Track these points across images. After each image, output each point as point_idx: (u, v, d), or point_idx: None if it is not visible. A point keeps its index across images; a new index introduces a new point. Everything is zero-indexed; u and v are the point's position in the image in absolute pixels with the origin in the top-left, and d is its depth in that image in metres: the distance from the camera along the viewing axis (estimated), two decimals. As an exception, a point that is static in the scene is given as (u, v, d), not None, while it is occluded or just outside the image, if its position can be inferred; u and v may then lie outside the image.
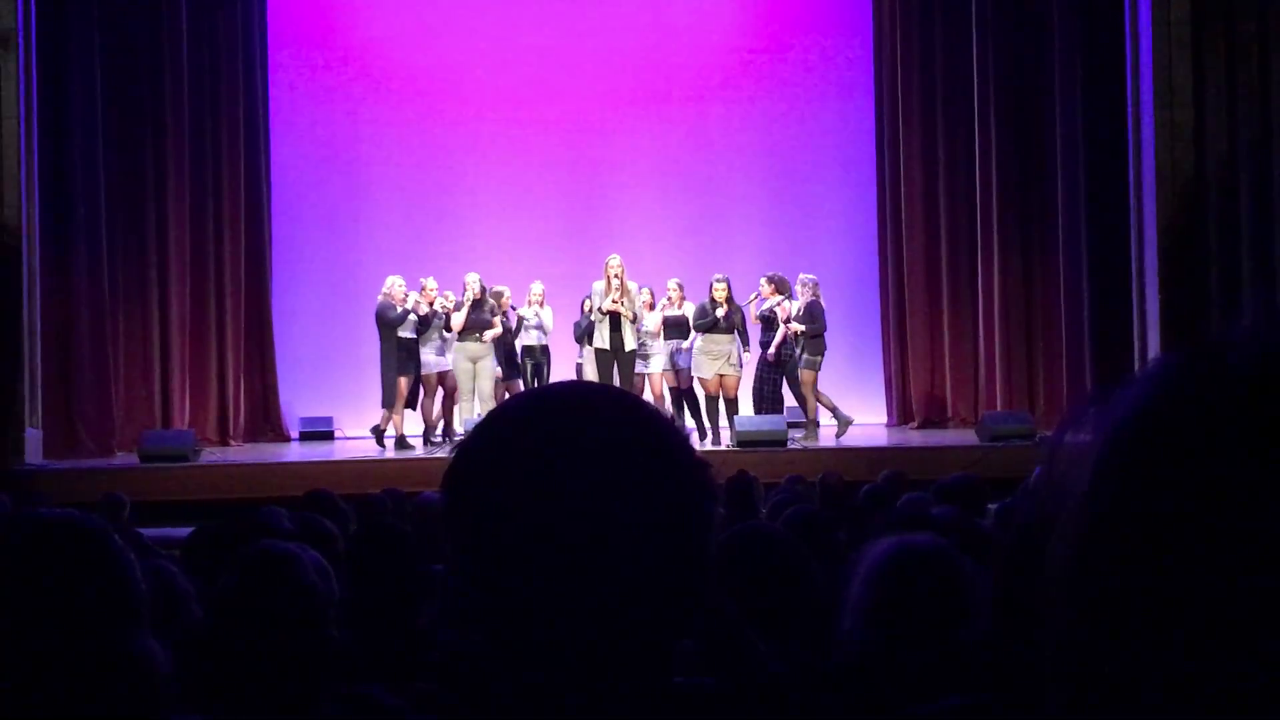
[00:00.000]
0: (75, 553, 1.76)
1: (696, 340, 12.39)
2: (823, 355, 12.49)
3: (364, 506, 6.92)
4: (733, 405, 12.48)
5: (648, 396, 11.85)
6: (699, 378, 12.43)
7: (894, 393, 14.80)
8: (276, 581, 2.59)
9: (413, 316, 12.35)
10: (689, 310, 12.52)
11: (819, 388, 12.59)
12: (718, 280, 12.41)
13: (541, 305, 12.69)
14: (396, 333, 12.41)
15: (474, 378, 12.30)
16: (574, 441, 1.14)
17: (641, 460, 1.15)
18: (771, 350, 12.55)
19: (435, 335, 12.45)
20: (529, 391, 1.26)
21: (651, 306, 12.63)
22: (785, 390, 12.75)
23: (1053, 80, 13.63)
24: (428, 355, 12.46)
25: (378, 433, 12.50)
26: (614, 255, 12.45)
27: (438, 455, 11.70)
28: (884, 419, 14.83)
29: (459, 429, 12.24)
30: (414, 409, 12.62)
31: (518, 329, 12.63)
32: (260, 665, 2.53)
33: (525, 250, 14.31)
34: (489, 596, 1.13)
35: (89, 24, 12.91)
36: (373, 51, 15.06)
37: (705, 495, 1.18)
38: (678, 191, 15.19)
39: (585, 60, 15.11)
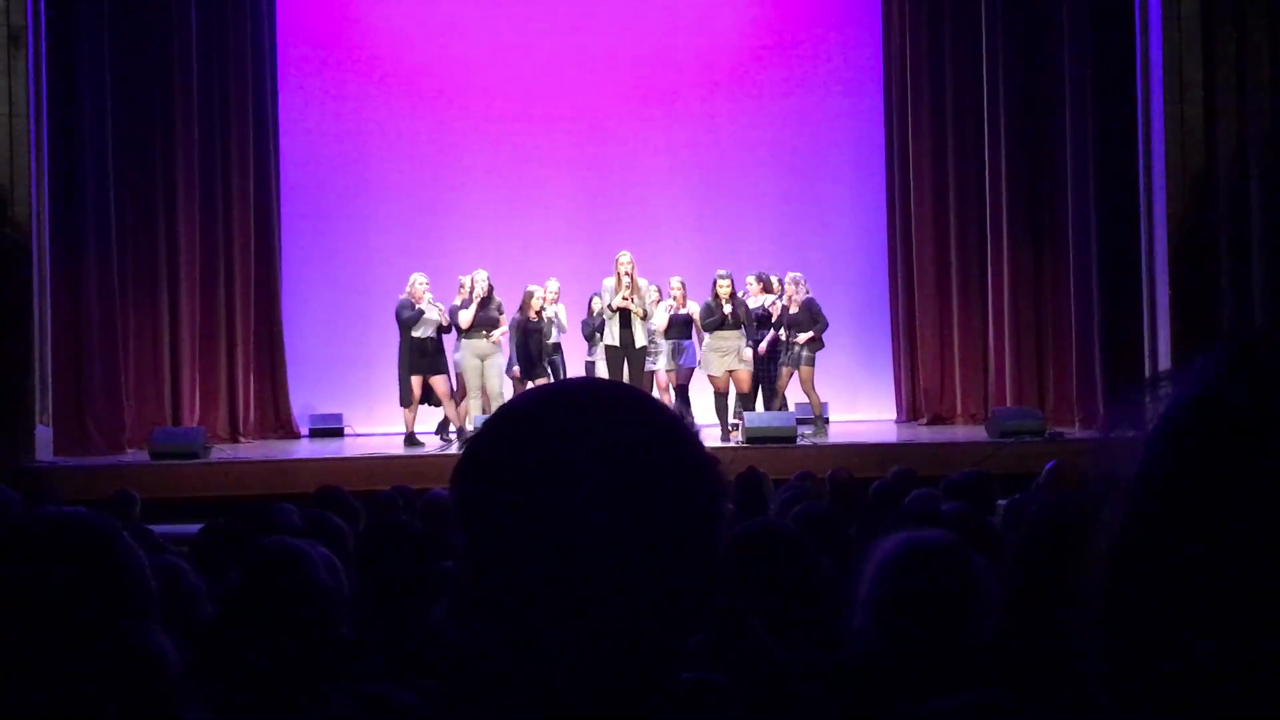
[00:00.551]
0: (85, 550, 1.77)
1: (705, 338, 12.39)
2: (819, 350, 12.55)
3: (374, 503, 6.92)
4: (745, 400, 12.47)
5: (655, 394, 11.85)
6: (709, 375, 12.42)
7: (903, 389, 14.79)
8: (286, 578, 2.59)
9: (429, 316, 12.32)
10: (693, 308, 12.52)
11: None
12: (721, 277, 12.41)
13: (556, 303, 12.64)
14: (410, 332, 12.40)
15: (482, 375, 12.31)
16: (583, 438, 1.14)
17: (651, 457, 1.15)
18: (763, 347, 12.64)
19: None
20: (538, 388, 1.26)
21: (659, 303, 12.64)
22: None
23: (1062, 77, 13.60)
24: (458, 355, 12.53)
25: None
26: (624, 252, 12.45)
27: (448, 452, 11.71)
28: (893, 415, 14.83)
29: (468, 426, 12.24)
30: (433, 405, 12.56)
31: (537, 327, 12.52)
32: (270, 662, 2.53)
33: (535, 248, 14.32)
34: (498, 593, 1.13)
35: (99, 22, 12.92)
36: (382, 50, 15.07)
37: (714, 492, 1.18)
38: (687, 189, 15.19)
39: (595, 58, 15.11)
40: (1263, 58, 11.65)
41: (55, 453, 11.97)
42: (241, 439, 13.81)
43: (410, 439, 12.46)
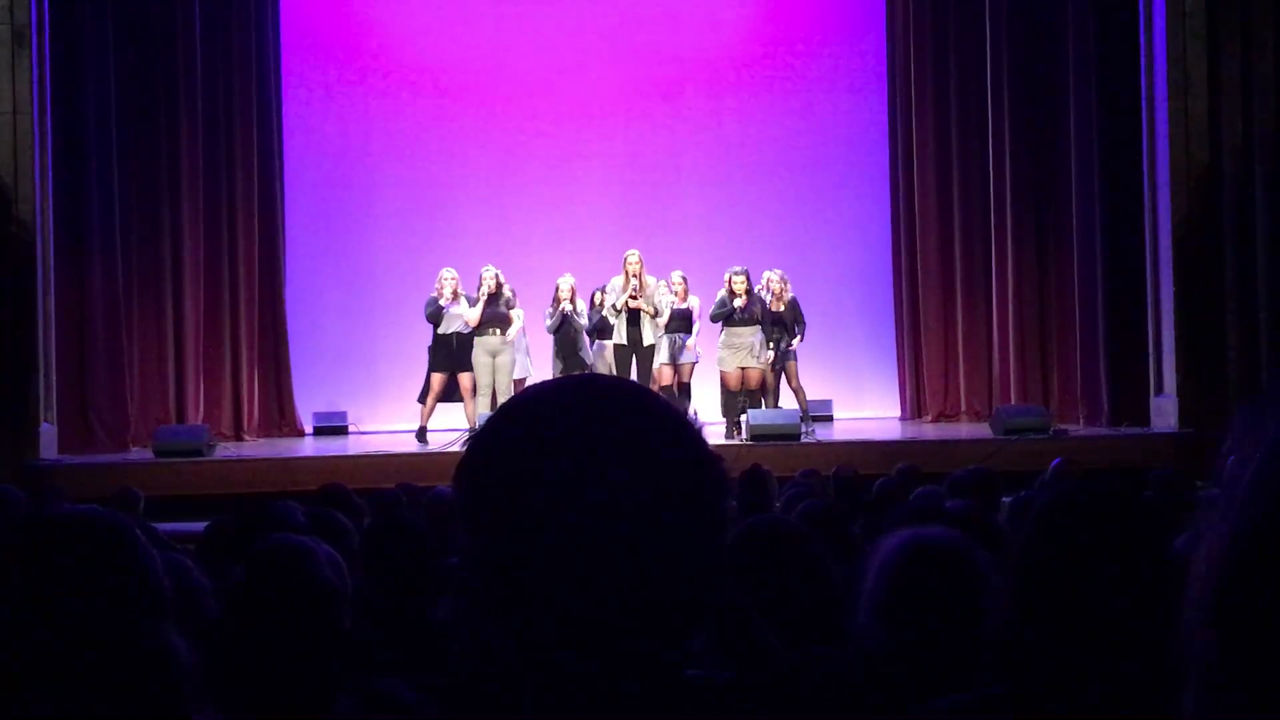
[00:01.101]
0: (99, 548, 1.77)
1: (720, 334, 12.38)
2: None
3: (378, 501, 6.93)
4: (755, 398, 12.45)
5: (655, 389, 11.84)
6: (721, 371, 12.41)
7: (908, 386, 14.79)
8: (292, 576, 2.60)
9: (455, 310, 12.26)
10: (694, 304, 12.52)
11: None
12: (736, 273, 12.39)
13: (573, 300, 12.55)
14: (436, 328, 12.39)
15: (492, 372, 12.27)
16: (587, 435, 1.14)
17: (655, 454, 1.15)
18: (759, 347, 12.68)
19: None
20: (541, 385, 1.26)
21: None
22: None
23: (1066, 72, 13.58)
24: None
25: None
26: (633, 250, 12.44)
27: (452, 450, 11.71)
28: (898, 412, 14.82)
29: (475, 423, 12.23)
30: (456, 400, 12.51)
31: (561, 321, 12.45)
32: (276, 659, 2.53)
33: (539, 246, 14.31)
34: (503, 590, 1.13)
35: (103, 20, 12.93)
36: (386, 50, 15.06)
37: (719, 489, 1.18)
38: (692, 187, 15.18)
39: (598, 57, 15.10)
40: (1267, 54, 11.63)
41: (59, 451, 11.98)
42: (245, 437, 13.82)
43: (420, 433, 12.45)
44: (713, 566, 1.16)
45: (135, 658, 1.73)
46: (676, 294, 12.46)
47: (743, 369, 12.33)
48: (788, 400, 12.84)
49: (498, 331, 12.28)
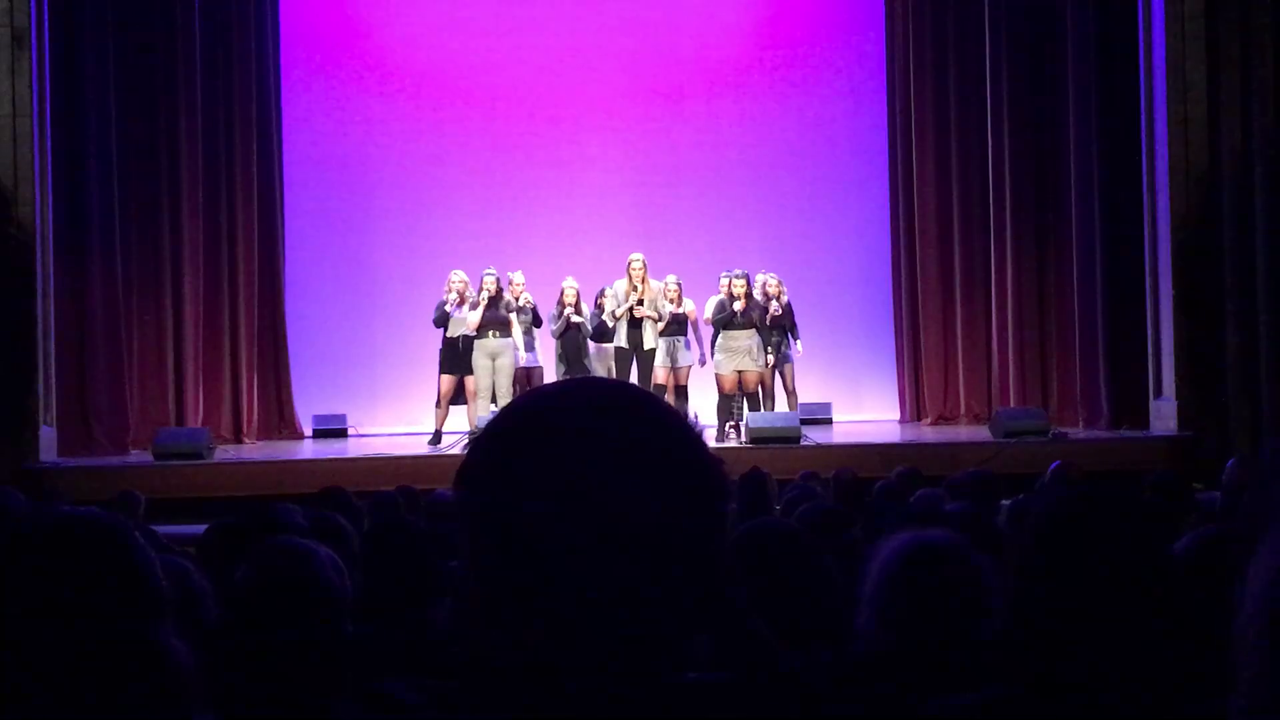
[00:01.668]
0: (98, 550, 1.77)
1: (717, 337, 12.40)
2: None
3: (378, 504, 6.93)
4: (753, 400, 12.47)
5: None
6: (717, 374, 12.43)
7: (907, 389, 14.79)
8: (294, 578, 2.60)
9: (460, 313, 12.27)
10: (689, 306, 12.54)
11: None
12: (736, 276, 12.41)
13: (577, 305, 12.55)
14: (445, 331, 12.40)
15: (492, 374, 12.28)
16: (588, 438, 1.14)
17: (655, 457, 1.15)
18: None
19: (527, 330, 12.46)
20: (541, 388, 1.26)
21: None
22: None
23: (1066, 76, 13.59)
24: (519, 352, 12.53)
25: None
26: (636, 255, 12.44)
27: (452, 452, 11.71)
28: (897, 415, 14.82)
29: (476, 426, 12.23)
30: (463, 404, 12.51)
31: (568, 325, 12.45)
32: (277, 661, 2.53)
33: (540, 249, 14.31)
34: (503, 592, 1.14)
35: (103, 23, 12.93)
36: (385, 53, 15.07)
37: (719, 492, 1.18)
38: (691, 190, 15.19)
39: (597, 60, 15.11)
40: (1266, 57, 11.63)
41: (59, 453, 11.97)
42: (245, 439, 13.82)
43: (435, 436, 12.45)
44: (713, 569, 1.17)
45: (134, 659, 1.73)
46: (671, 299, 12.46)
47: (739, 372, 12.33)
48: (784, 404, 12.87)
49: (497, 334, 12.29)
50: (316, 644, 2.56)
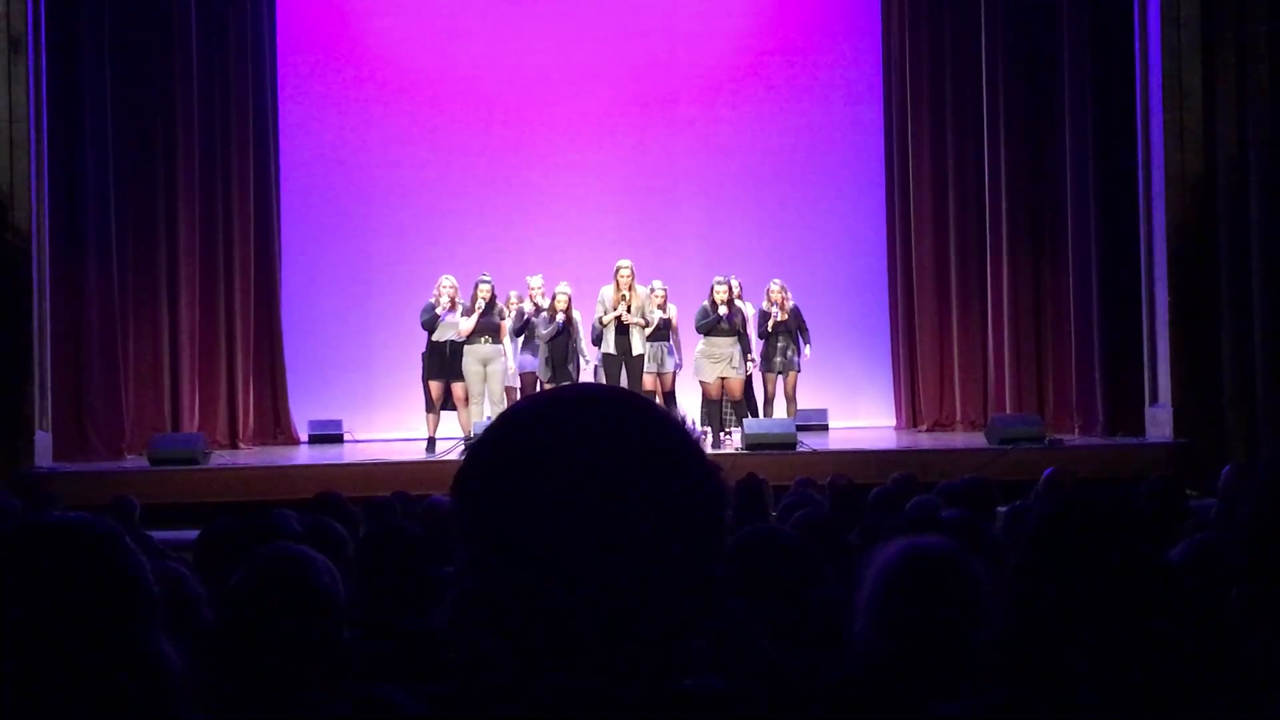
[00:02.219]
0: (88, 556, 1.77)
1: (698, 343, 12.42)
2: None
3: (373, 509, 6.92)
4: (740, 407, 12.50)
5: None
6: (700, 381, 12.44)
7: (903, 395, 14.79)
8: (292, 583, 2.59)
9: (451, 318, 12.27)
10: (672, 312, 12.55)
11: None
12: (719, 282, 12.43)
13: (568, 311, 12.51)
14: (430, 335, 12.40)
15: (484, 380, 12.30)
16: (585, 444, 1.14)
17: (652, 462, 1.15)
18: (757, 356, 12.72)
19: (531, 338, 12.45)
20: (539, 394, 1.26)
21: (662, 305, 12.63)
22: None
23: (1062, 82, 13.61)
24: (523, 357, 12.49)
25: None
26: (624, 261, 12.45)
27: (448, 458, 11.70)
28: (893, 421, 14.82)
29: (471, 432, 12.23)
30: (452, 410, 12.51)
31: (559, 330, 12.43)
32: (274, 666, 2.53)
33: (536, 254, 14.29)
34: (500, 598, 1.13)
35: (99, 29, 12.93)
36: (382, 58, 15.08)
37: (716, 498, 1.18)
38: (687, 195, 15.20)
39: (594, 64, 15.12)
40: (1262, 63, 11.65)
41: (55, 458, 11.96)
42: (241, 445, 13.80)
43: (430, 444, 12.45)
44: (710, 575, 1.17)
45: (124, 665, 1.72)
46: (657, 305, 12.46)
47: (723, 379, 12.34)
48: (783, 410, 12.88)
49: (489, 340, 12.30)
50: (312, 649, 2.56)
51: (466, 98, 15.07)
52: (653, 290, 12.52)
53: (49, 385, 12.07)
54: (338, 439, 13.67)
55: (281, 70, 14.64)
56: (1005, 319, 14.04)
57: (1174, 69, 11.95)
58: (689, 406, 12.80)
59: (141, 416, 13.27)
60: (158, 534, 7.23)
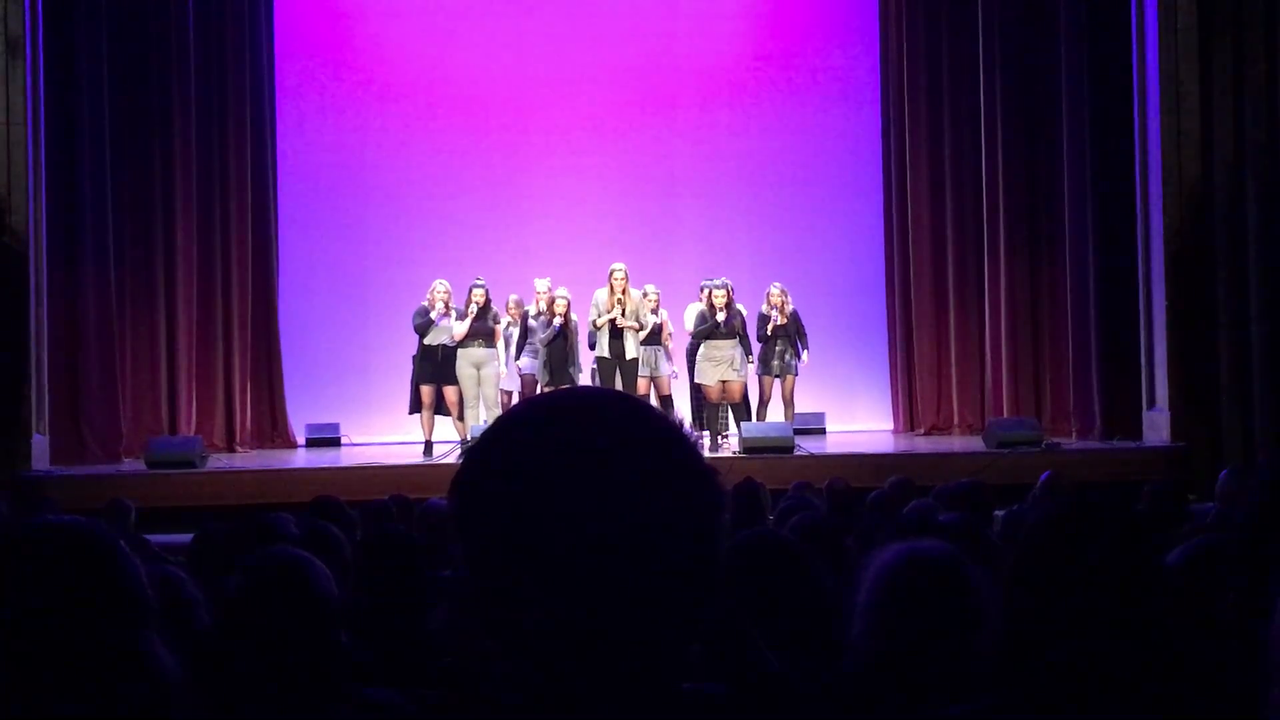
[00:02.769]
0: (82, 559, 1.77)
1: (700, 347, 12.42)
2: None
3: (370, 513, 6.92)
4: (739, 410, 12.50)
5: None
6: (702, 384, 12.44)
7: (900, 399, 14.79)
8: (290, 587, 2.59)
9: (445, 323, 12.27)
10: (663, 316, 12.58)
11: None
12: (716, 286, 12.44)
13: (566, 315, 12.49)
14: (423, 339, 12.40)
15: (479, 384, 12.30)
16: (582, 448, 1.14)
17: (650, 466, 1.15)
18: (755, 359, 12.73)
19: (535, 340, 12.44)
20: (537, 397, 1.26)
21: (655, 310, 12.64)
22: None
23: (1059, 87, 13.62)
24: (523, 359, 12.48)
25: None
26: (618, 264, 12.45)
27: (445, 462, 11.70)
28: (890, 425, 14.82)
29: (467, 436, 12.22)
30: (446, 414, 12.50)
31: (557, 333, 12.42)
32: (271, 670, 2.53)
33: (532, 257, 14.29)
34: (497, 601, 1.13)
35: (96, 30, 12.93)
36: (379, 60, 15.08)
37: (713, 502, 1.18)
38: (684, 198, 15.20)
39: (592, 68, 15.12)
40: (1259, 68, 11.67)
41: (51, 462, 11.95)
42: (238, 448, 13.80)
43: (427, 448, 12.44)
44: (708, 579, 1.16)
45: (118, 669, 1.72)
46: (651, 309, 12.47)
47: (723, 382, 12.35)
48: (779, 414, 12.88)
49: (482, 344, 12.30)
50: (309, 653, 2.56)
51: (463, 101, 15.07)
52: (646, 294, 12.53)
53: (46, 388, 12.07)
54: (335, 442, 13.66)
55: (279, 73, 14.64)
56: (1003, 322, 14.04)
57: (1171, 73, 11.95)
58: (682, 409, 12.80)
59: (138, 420, 13.26)
60: (154, 537, 7.22)
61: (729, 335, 12.34)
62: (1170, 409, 11.96)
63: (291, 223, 14.77)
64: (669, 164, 15.20)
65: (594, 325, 12.38)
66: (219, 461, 12.62)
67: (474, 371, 12.29)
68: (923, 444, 13.63)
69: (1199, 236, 11.89)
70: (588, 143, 15.09)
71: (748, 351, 12.55)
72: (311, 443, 13.79)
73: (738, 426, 12.30)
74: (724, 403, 12.52)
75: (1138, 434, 12.55)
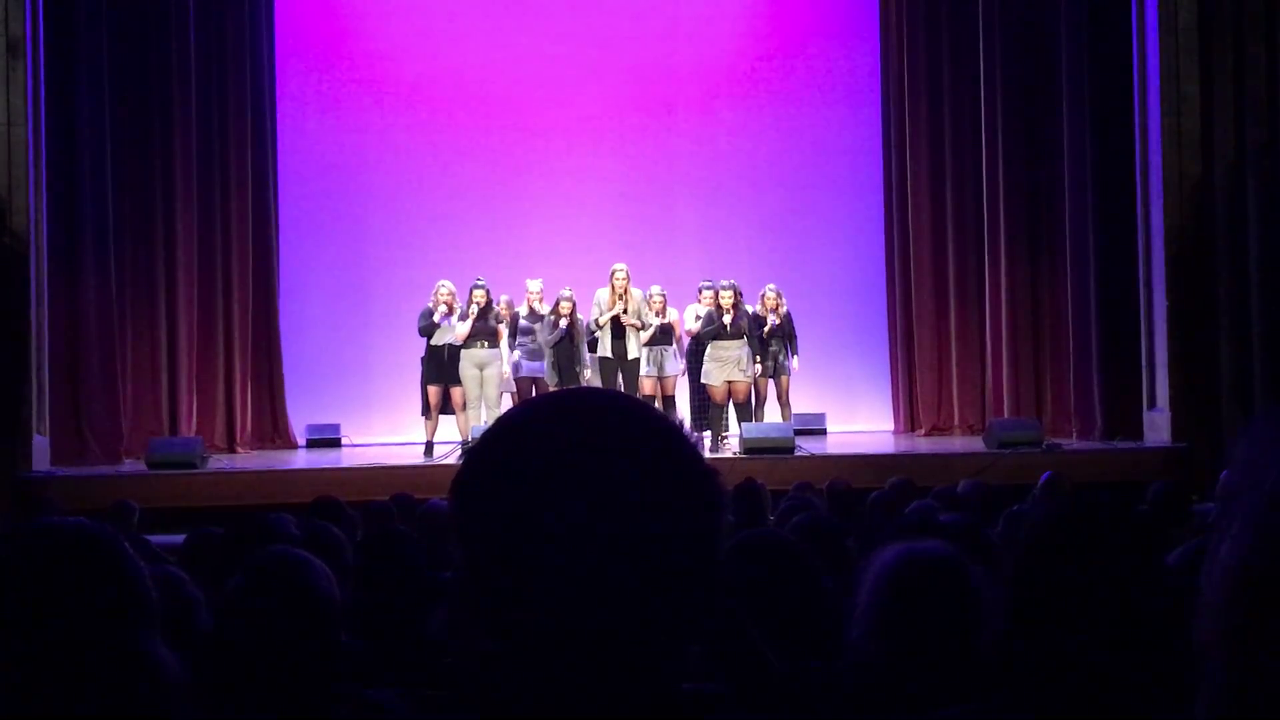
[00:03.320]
0: (87, 560, 1.77)
1: (706, 348, 12.42)
2: None
3: (371, 514, 6.92)
4: (743, 411, 12.50)
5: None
6: (707, 385, 12.44)
7: (901, 400, 14.79)
8: (291, 587, 2.59)
9: (445, 323, 12.29)
10: (672, 317, 12.57)
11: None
12: (723, 288, 12.43)
13: (571, 316, 12.48)
14: (429, 340, 12.41)
15: (481, 384, 12.31)
16: (582, 448, 1.14)
17: (650, 467, 1.15)
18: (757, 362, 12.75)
19: (529, 341, 12.42)
20: (537, 398, 1.26)
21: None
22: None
23: (1060, 88, 13.62)
24: (519, 361, 12.48)
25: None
26: (619, 265, 12.46)
27: (446, 463, 11.70)
28: (891, 426, 14.82)
29: (469, 436, 12.22)
30: (447, 414, 12.52)
31: (563, 335, 12.42)
32: (270, 671, 2.52)
33: (532, 258, 14.30)
34: (497, 602, 1.13)
35: (98, 32, 12.93)
36: (379, 61, 15.09)
37: (714, 503, 1.17)
38: (685, 199, 15.21)
39: (592, 69, 15.13)
40: (1260, 69, 11.67)
41: (52, 463, 11.95)
42: (239, 449, 13.80)
43: (427, 448, 12.45)
44: (708, 580, 1.16)
45: (122, 670, 1.72)
46: (655, 310, 12.47)
47: (729, 383, 12.35)
48: (777, 414, 12.89)
49: (485, 344, 12.31)
50: (309, 654, 2.56)
51: (464, 102, 15.08)
52: (650, 296, 12.53)
53: (46, 389, 12.07)
54: (335, 443, 13.67)
55: (279, 74, 14.65)
56: (1003, 323, 14.04)
57: (1172, 74, 11.96)
58: (681, 409, 12.80)
59: (139, 420, 13.26)
60: (155, 538, 7.22)
61: (735, 336, 12.35)
62: (1171, 409, 11.96)
63: (292, 223, 14.78)
64: (669, 164, 15.20)
65: (596, 324, 12.37)
66: (219, 462, 12.62)
67: (477, 372, 12.30)
68: (923, 444, 13.64)
69: (1200, 237, 11.90)
70: (588, 143, 15.10)
71: (763, 353, 12.56)
72: (312, 443, 13.79)
73: (740, 427, 12.30)
74: (727, 403, 12.51)
75: (1139, 434, 12.55)
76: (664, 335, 12.47)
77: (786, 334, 12.80)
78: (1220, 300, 11.75)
